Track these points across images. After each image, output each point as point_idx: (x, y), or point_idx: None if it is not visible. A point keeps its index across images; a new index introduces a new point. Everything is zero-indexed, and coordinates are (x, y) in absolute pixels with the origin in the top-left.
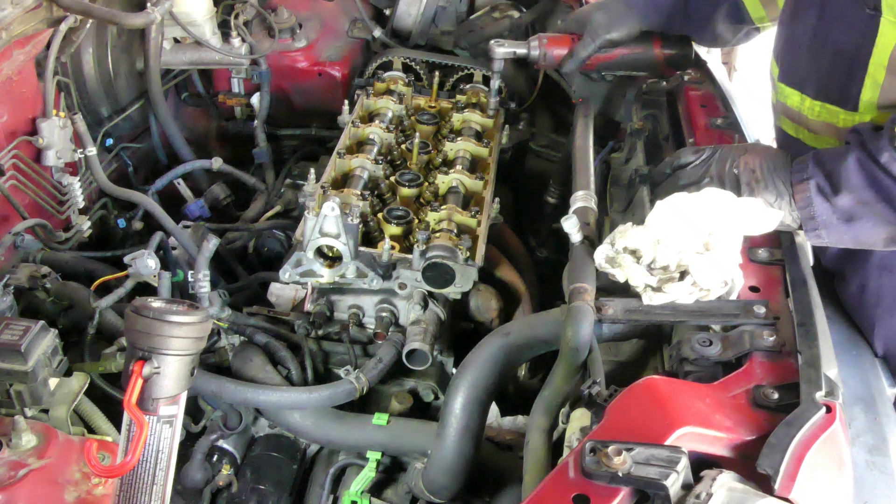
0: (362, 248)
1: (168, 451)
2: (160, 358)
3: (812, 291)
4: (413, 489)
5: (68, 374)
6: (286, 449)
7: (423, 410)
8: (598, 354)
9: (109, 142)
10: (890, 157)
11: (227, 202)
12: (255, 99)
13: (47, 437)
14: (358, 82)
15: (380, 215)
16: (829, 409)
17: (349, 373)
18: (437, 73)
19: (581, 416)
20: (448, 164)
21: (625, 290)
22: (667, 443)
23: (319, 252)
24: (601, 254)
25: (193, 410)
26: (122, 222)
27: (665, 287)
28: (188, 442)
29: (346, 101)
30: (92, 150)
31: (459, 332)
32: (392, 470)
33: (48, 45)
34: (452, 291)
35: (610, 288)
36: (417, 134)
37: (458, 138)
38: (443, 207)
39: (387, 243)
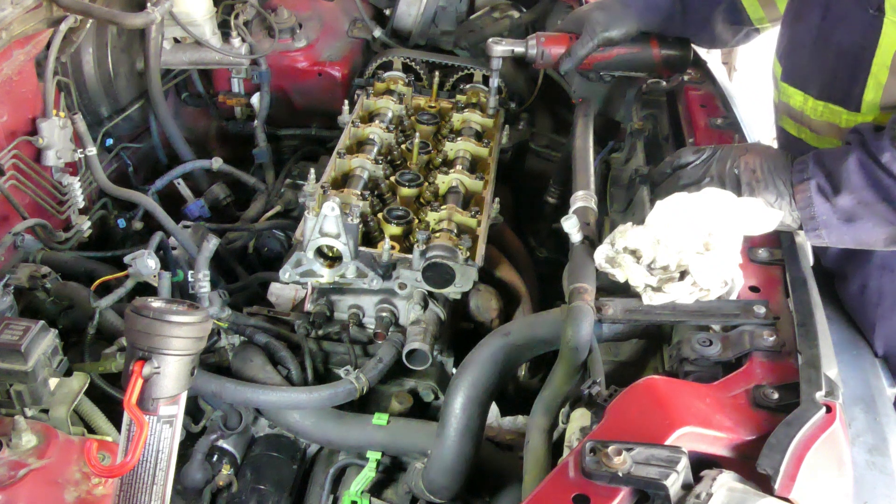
0: (362, 248)
1: (168, 451)
2: (160, 358)
3: (812, 291)
4: (413, 489)
5: (68, 374)
6: (286, 449)
7: (423, 410)
8: (598, 354)
9: (109, 142)
10: (891, 157)
11: (227, 202)
12: (255, 99)
13: (47, 437)
14: (358, 82)
15: (380, 215)
16: (829, 409)
17: (349, 373)
18: (437, 73)
19: (581, 416)
20: (448, 164)
21: (625, 290)
22: (667, 443)
23: (319, 252)
24: (601, 254)
25: (193, 410)
26: (122, 222)
27: (665, 287)
28: (188, 442)
29: (346, 101)
30: (92, 150)
31: (459, 332)
32: (392, 470)
33: (48, 45)
34: (452, 291)
35: (610, 288)
36: (417, 134)
37: (458, 138)
38: (443, 207)
39: (387, 243)
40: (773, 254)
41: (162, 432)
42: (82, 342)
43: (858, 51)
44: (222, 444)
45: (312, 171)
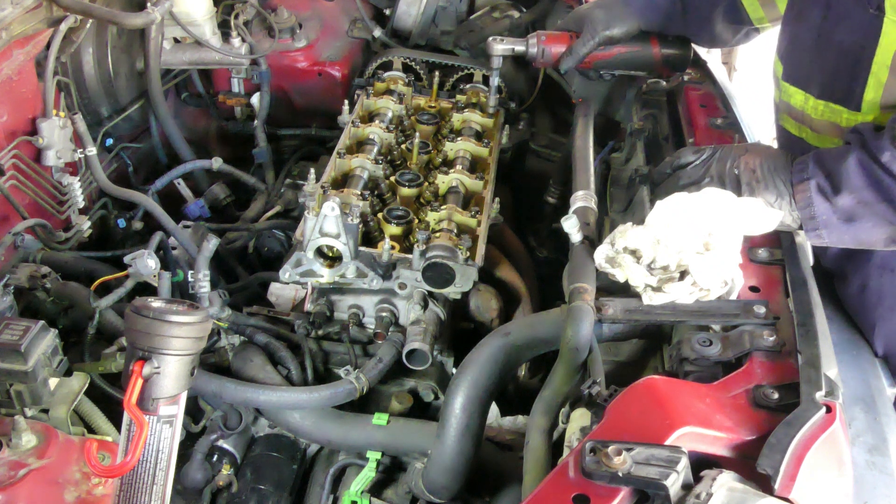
0: (362, 248)
1: (168, 451)
2: (160, 358)
3: (812, 291)
4: (413, 489)
5: (68, 374)
6: (286, 449)
7: (423, 410)
8: (598, 354)
9: (109, 142)
10: (891, 157)
11: (227, 202)
12: (255, 99)
13: (47, 437)
14: (358, 82)
15: (380, 215)
16: (829, 409)
17: (349, 373)
18: (437, 73)
19: (581, 416)
20: (448, 164)
21: (625, 290)
22: (667, 443)
23: (319, 252)
24: (601, 254)
25: (193, 410)
26: (122, 222)
27: (665, 287)
28: (188, 442)
29: (346, 101)
30: (92, 150)
31: (459, 332)
32: (392, 470)
33: (48, 45)
34: (452, 291)
35: (610, 288)
36: (417, 134)
37: (458, 138)
38: (443, 207)
39: (387, 243)
40: (773, 254)
41: (162, 432)
42: (82, 342)
43: (859, 50)
44: (222, 444)
45: (312, 171)
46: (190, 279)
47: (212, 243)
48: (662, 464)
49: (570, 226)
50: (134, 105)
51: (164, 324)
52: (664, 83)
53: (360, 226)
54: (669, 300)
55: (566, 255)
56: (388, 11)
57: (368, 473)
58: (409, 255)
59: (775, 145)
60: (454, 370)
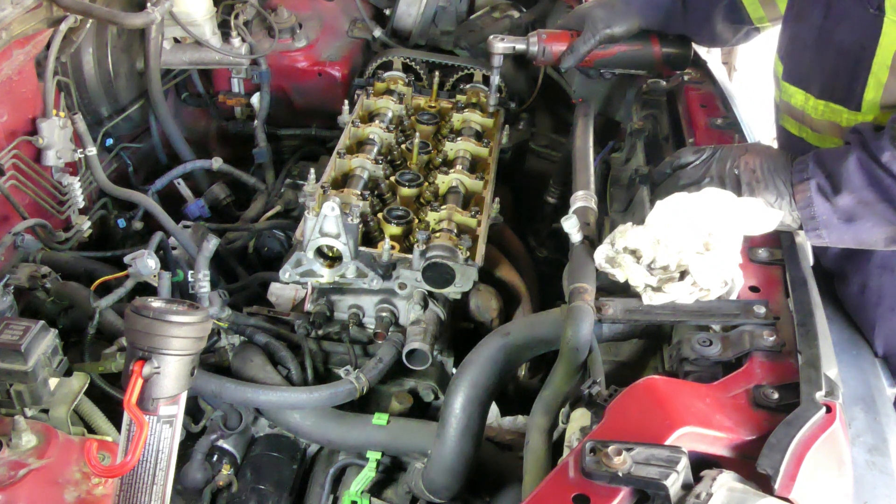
0: (362, 248)
1: (168, 451)
2: (160, 358)
3: (812, 291)
4: (413, 489)
5: (68, 374)
6: (286, 449)
7: (423, 410)
8: (598, 354)
9: (109, 142)
10: (891, 157)
11: (227, 202)
12: (255, 99)
13: (47, 437)
14: (358, 82)
15: (380, 215)
16: (829, 409)
17: (349, 373)
18: (437, 73)
19: (581, 416)
20: (448, 164)
21: (625, 290)
22: (667, 443)
23: (319, 252)
24: (601, 254)
25: (193, 410)
26: (122, 222)
27: (665, 287)
28: (188, 442)
29: (346, 101)
30: (92, 150)
31: (459, 332)
32: (392, 470)
33: (48, 45)
34: (452, 291)
35: (610, 288)
36: (417, 134)
37: (458, 138)
38: (443, 207)
39: (387, 243)
40: (773, 254)
41: (162, 432)
42: (82, 342)
43: (859, 50)
44: (222, 444)
45: (312, 171)
46: (190, 279)
47: (212, 243)
48: (662, 464)
49: (570, 226)
50: (134, 105)
51: (164, 324)
52: (664, 83)
53: (360, 226)
54: (669, 300)
55: (566, 255)
56: (388, 11)
57: (368, 473)
58: (409, 255)
59: (775, 145)
60: (454, 370)
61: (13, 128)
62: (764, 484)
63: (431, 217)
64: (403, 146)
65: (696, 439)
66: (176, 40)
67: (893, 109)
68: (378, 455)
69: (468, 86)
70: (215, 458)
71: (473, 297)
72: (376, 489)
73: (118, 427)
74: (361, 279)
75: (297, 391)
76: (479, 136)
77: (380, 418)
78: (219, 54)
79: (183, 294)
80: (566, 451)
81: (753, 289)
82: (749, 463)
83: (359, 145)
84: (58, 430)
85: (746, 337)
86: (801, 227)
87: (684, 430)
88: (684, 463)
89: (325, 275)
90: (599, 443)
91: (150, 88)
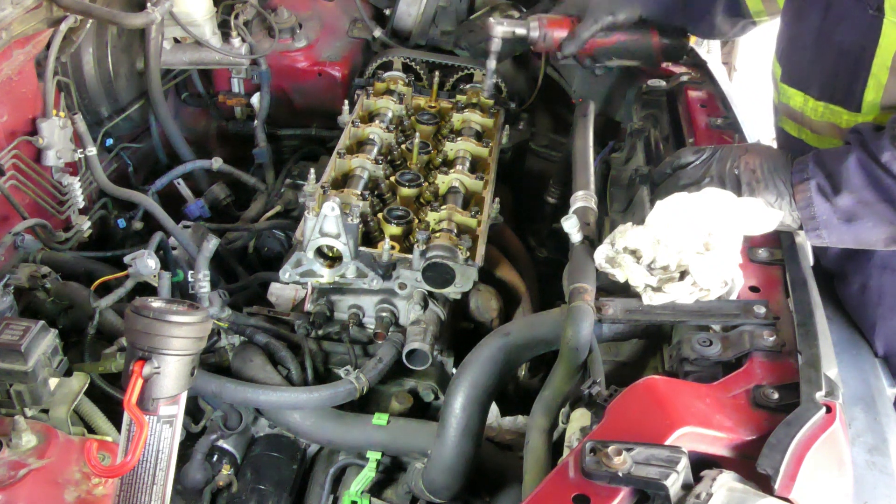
0: (362, 248)
1: (168, 451)
2: (160, 358)
3: (812, 291)
4: (413, 489)
5: (68, 374)
6: (286, 449)
7: (423, 410)
8: (598, 354)
9: (109, 142)
10: (891, 157)
11: (227, 202)
12: (255, 99)
13: (47, 437)
14: (358, 82)
15: (380, 215)
16: (829, 409)
17: (349, 373)
18: (437, 73)
19: (581, 416)
20: (448, 164)
21: (625, 290)
22: (667, 443)
23: (319, 252)
24: (601, 254)
25: (193, 410)
26: (122, 222)
27: (665, 287)
28: (188, 442)
29: (346, 101)
30: (92, 150)
31: (459, 332)
32: (392, 470)
33: (48, 45)
34: (452, 291)
35: (610, 288)
36: (417, 134)
37: (458, 138)
38: (443, 207)
39: (387, 243)
40: (773, 254)
41: (162, 432)
42: (82, 342)
43: (859, 51)
44: (222, 444)
45: (312, 171)
46: (190, 279)
47: (212, 243)
48: (662, 464)
49: (570, 226)
50: (134, 105)
51: (164, 324)
52: (664, 83)
53: (360, 226)
54: (669, 300)
55: (566, 255)
56: (388, 11)
57: (368, 473)
58: (409, 255)
59: (775, 146)
60: (454, 370)
61: (13, 128)
62: (764, 484)
63: (431, 217)
64: (403, 146)
65: (696, 439)
66: (176, 40)
67: (893, 110)
68: (378, 455)
69: (468, 86)
70: (215, 458)
71: (473, 297)
72: (376, 489)
73: (118, 427)
74: (361, 279)
75: (297, 391)
76: (479, 136)
77: (380, 418)
78: (219, 54)
79: (183, 294)
80: (566, 452)
81: (753, 289)
82: (749, 463)
83: (359, 145)
84: (58, 431)
85: (746, 337)
86: (801, 227)
87: (684, 430)
88: (684, 463)
89: (325, 275)
90: (599, 443)
91: (150, 88)
